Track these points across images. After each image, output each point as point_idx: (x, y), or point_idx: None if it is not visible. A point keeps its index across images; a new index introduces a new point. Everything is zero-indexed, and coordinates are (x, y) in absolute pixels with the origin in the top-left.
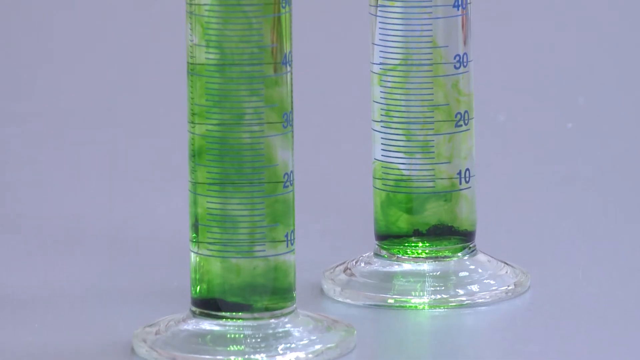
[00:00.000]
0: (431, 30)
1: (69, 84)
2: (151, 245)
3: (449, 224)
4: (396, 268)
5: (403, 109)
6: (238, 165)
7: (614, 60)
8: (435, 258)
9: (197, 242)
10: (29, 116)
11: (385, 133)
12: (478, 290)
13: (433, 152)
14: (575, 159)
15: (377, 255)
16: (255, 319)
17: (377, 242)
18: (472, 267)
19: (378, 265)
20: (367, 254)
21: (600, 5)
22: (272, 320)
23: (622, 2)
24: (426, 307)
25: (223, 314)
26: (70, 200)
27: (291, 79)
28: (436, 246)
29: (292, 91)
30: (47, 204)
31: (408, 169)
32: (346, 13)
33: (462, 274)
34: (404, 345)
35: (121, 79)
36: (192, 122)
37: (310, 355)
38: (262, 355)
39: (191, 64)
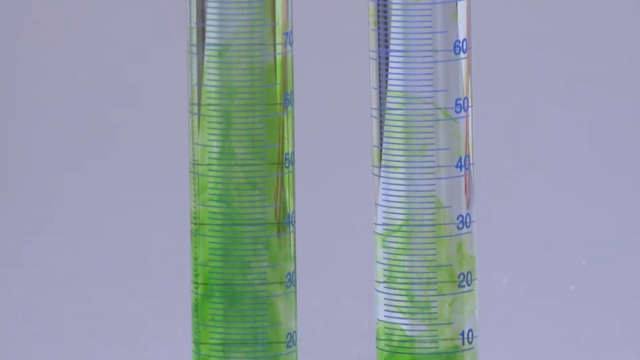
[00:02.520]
0: (434, 190)
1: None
2: None
3: None
4: None
5: (406, 269)
6: (241, 324)
7: (622, 222)
8: None
9: None
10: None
11: (387, 294)
12: None
13: (436, 312)
14: (580, 321)
15: None
16: None
17: None
18: None
19: None
20: None
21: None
22: None
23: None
24: None
25: None
26: None
27: (295, 239)
28: None
29: (295, 251)
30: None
31: (411, 330)
32: (349, 176)
33: None
34: None
35: (121, 241)
36: (196, 283)
37: None
38: None
39: (194, 223)
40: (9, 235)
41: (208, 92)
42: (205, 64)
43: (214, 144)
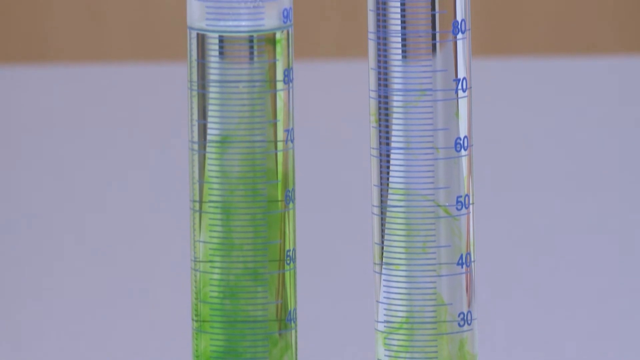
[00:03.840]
0: (435, 287)
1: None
2: None
3: None
4: None
5: None
6: None
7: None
8: None
9: None
10: None
11: None
12: None
13: None
14: None
15: None
16: None
17: None
18: None
19: None
20: None
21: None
22: None
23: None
24: None
25: None
26: None
27: (296, 335)
28: None
29: (296, 348)
30: None
31: None
32: (350, 274)
33: None
34: None
35: (123, 341)
36: None
37: None
38: None
39: (196, 320)
40: None
41: (209, 189)
42: (207, 161)
43: (216, 240)
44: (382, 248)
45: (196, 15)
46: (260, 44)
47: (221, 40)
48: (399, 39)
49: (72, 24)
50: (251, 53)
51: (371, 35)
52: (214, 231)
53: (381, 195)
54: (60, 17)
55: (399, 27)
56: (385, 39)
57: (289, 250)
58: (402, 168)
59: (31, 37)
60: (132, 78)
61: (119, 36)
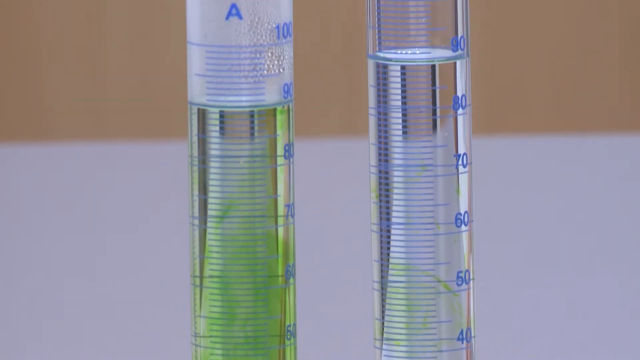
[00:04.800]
0: None
1: None
2: None
3: None
4: None
5: None
6: None
7: None
8: None
9: None
10: None
11: None
12: None
13: None
14: None
15: None
16: None
17: None
18: None
19: None
20: None
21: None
22: None
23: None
24: None
25: None
26: None
27: None
28: None
29: None
30: None
31: None
32: (350, 349)
33: None
34: None
35: None
36: None
37: None
38: None
39: None
40: None
41: (210, 263)
42: (207, 236)
43: (216, 315)
44: (383, 323)
45: (197, 90)
46: (261, 119)
47: (222, 115)
48: (400, 115)
49: (71, 102)
50: (252, 128)
51: (372, 111)
52: (215, 306)
53: (382, 271)
54: (59, 95)
55: (400, 103)
56: (385, 114)
57: (290, 325)
58: (402, 243)
59: (30, 115)
60: (131, 155)
61: (119, 113)
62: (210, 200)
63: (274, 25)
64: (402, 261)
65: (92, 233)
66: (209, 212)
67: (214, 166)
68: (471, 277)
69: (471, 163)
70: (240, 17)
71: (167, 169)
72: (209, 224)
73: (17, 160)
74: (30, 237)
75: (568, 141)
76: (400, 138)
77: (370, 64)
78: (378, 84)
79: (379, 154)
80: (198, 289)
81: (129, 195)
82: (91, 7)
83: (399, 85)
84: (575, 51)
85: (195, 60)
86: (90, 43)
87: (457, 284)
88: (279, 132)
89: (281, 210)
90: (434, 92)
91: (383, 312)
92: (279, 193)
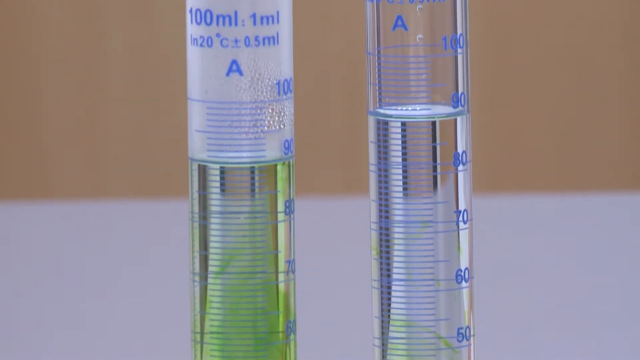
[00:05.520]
0: None
1: None
2: None
3: None
4: None
5: None
6: None
7: None
8: None
9: None
10: None
11: None
12: None
13: None
14: None
15: None
16: None
17: None
18: None
19: None
20: None
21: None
22: None
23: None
24: None
25: None
26: None
27: None
28: None
29: None
30: None
31: None
32: None
33: None
34: None
35: None
36: None
37: None
38: None
39: None
40: None
41: (210, 320)
42: (208, 292)
43: None
44: None
45: (197, 146)
46: (262, 175)
47: (222, 171)
48: (400, 171)
49: (71, 159)
50: (252, 184)
51: (372, 167)
52: None
53: (382, 327)
54: (60, 153)
55: (400, 159)
56: (386, 170)
57: None
58: (403, 300)
59: (30, 173)
60: (131, 213)
61: (119, 170)
62: (211, 257)
63: (274, 82)
64: (402, 317)
65: (92, 290)
66: (210, 268)
67: (214, 222)
68: (472, 333)
69: (472, 219)
70: (241, 74)
71: (168, 226)
72: (209, 280)
73: (17, 218)
74: (31, 295)
75: (568, 199)
76: (400, 195)
77: (371, 121)
78: (378, 140)
79: (380, 211)
80: (199, 345)
81: (128, 253)
82: (91, 62)
83: (400, 142)
84: (576, 109)
85: (196, 116)
86: (90, 99)
87: (458, 340)
88: (279, 188)
89: (282, 266)
90: (434, 148)
91: None
92: (279, 249)
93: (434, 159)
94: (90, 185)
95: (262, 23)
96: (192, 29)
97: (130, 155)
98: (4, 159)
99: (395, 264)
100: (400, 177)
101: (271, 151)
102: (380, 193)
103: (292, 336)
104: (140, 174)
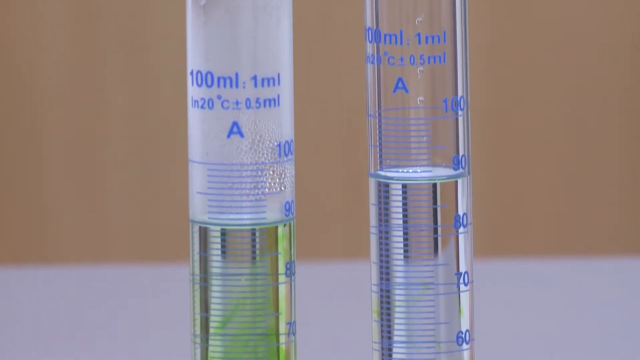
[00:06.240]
0: None
1: None
2: None
3: None
4: None
5: None
6: None
7: None
8: None
9: None
10: None
11: None
12: None
13: None
14: None
15: None
16: None
17: None
18: None
19: None
20: None
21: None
22: None
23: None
24: None
25: None
26: None
27: None
28: None
29: None
30: None
31: None
32: None
33: None
34: None
35: None
36: None
37: None
38: None
39: None
40: None
41: None
42: (209, 353)
43: None
44: None
45: (198, 208)
46: (263, 237)
47: (223, 233)
48: (401, 233)
49: (72, 223)
50: (253, 246)
51: (373, 230)
52: None
53: None
54: (60, 217)
55: (401, 221)
56: (387, 232)
57: None
58: None
59: (31, 238)
60: (132, 277)
61: (119, 233)
62: (211, 318)
63: (275, 144)
64: None
65: (93, 355)
66: (211, 330)
67: (215, 284)
68: None
69: (473, 282)
70: (242, 135)
71: (168, 288)
72: (210, 342)
73: (18, 282)
74: (31, 359)
75: (570, 263)
76: (401, 257)
77: (372, 183)
78: (379, 202)
79: (380, 273)
80: None
81: (129, 316)
82: (92, 125)
83: (401, 204)
84: (578, 172)
85: (197, 178)
86: (90, 161)
87: None
88: (280, 249)
89: (283, 328)
90: (435, 210)
91: None
92: (280, 311)
93: (435, 221)
94: (91, 249)
95: (263, 85)
96: (193, 91)
97: (130, 217)
98: (5, 225)
99: (396, 327)
100: (401, 239)
101: (272, 213)
102: (381, 255)
103: None
104: (141, 236)
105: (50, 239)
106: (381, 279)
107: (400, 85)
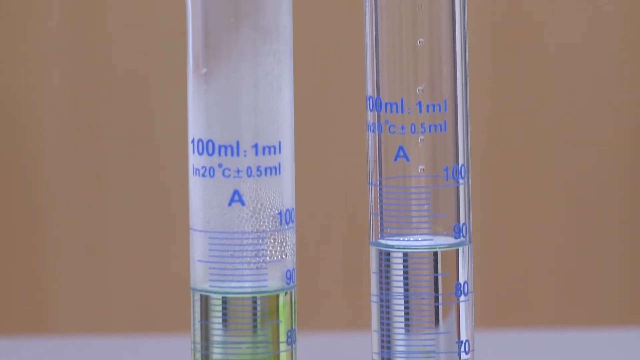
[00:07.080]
0: None
1: None
2: None
3: None
4: None
5: None
6: None
7: None
8: None
9: None
10: None
11: None
12: None
13: None
14: None
15: None
16: None
17: None
18: None
19: None
20: None
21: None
22: None
23: None
24: None
25: None
26: None
27: None
28: None
29: None
30: None
31: None
32: None
33: None
34: None
35: None
36: None
37: None
38: None
39: None
40: None
41: None
42: None
43: None
44: None
45: (199, 276)
46: (264, 305)
47: (224, 301)
48: (402, 301)
49: (71, 294)
50: (254, 314)
51: (374, 298)
52: None
53: None
54: (60, 286)
55: (402, 290)
56: (388, 301)
57: None
58: None
59: (31, 309)
60: (133, 347)
61: (119, 303)
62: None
63: (276, 212)
64: None
65: None
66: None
67: (216, 352)
68: None
69: (473, 350)
70: (243, 204)
71: (169, 358)
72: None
73: (19, 353)
74: None
75: (571, 334)
76: (402, 325)
77: (373, 251)
78: (380, 270)
79: (382, 341)
80: None
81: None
82: (92, 194)
83: (402, 272)
84: (580, 241)
85: (198, 246)
86: (91, 230)
87: None
88: (281, 317)
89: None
90: (436, 279)
91: None
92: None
93: (436, 290)
94: (91, 319)
95: (264, 153)
96: (194, 159)
97: (131, 286)
98: (5, 296)
99: None
100: (402, 307)
101: (273, 281)
102: (382, 323)
103: None
104: (142, 305)
105: (50, 309)
106: (382, 347)
107: (401, 153)
